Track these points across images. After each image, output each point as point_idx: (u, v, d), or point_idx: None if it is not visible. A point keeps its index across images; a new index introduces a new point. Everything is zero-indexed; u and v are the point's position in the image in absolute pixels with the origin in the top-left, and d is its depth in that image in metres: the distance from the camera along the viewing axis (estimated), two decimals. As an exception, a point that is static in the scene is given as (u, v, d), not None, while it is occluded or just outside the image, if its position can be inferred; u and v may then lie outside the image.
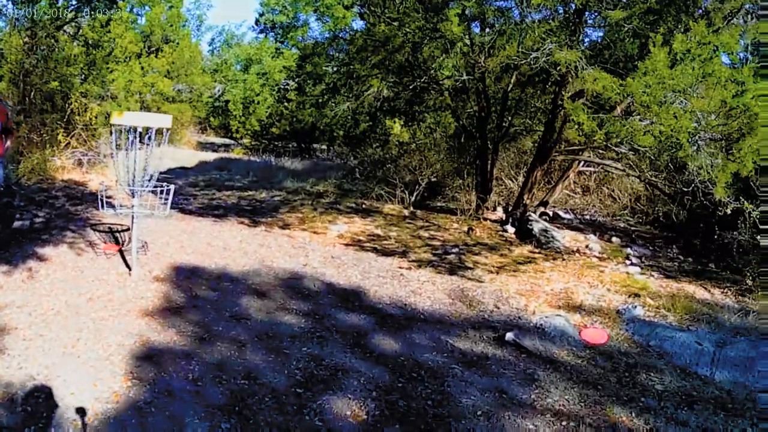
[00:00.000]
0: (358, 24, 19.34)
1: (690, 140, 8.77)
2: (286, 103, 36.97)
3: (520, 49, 11.41)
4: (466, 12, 12.18)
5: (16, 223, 10.56)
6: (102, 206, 8.62)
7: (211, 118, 44.59)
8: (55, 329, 6.62)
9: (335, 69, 20.76)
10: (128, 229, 10.45)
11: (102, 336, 6.54)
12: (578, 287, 9.07)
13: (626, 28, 10.86)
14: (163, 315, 7.29)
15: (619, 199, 15.05)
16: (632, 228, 13.61)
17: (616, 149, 12.46)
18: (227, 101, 39.90)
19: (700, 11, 10.33)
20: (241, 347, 6.56)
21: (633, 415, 5.68)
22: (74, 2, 18.35)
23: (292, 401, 5.51)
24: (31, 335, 6.43)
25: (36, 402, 5.15)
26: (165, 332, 6.80)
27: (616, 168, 13.21)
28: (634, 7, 10.43)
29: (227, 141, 43.05)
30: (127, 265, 8.94)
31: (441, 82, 14.96)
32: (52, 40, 17.97)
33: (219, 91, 41.81)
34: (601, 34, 13.00)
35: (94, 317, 7.04)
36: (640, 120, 9.76)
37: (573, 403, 5.81)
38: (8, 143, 9.46)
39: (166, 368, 5.92)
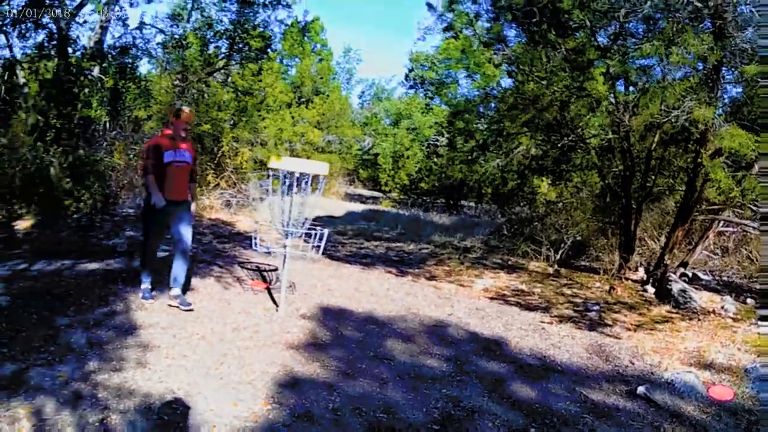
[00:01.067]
0: (506, 82, 19.47)
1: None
2: (435, 159, 37.24)
3: (662, 107, 11.39)
4: (610, 71, 12.20)
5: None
6: (255, 245, 8.93)
7: (360, 170, 45.45)
8: (199, 352, 6.89)
9: (485, 126, 20.84)
10: (276, 269, 10.95)
11: (246, 362, 6.76)
12: (711, 346, 8.90)
13: (760, 83, 10.76)
14: (308, 349, 7.48)
15: (757, 260, 14.74)
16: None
17: (753, 208, 12.29)
18: (376, 154, 40.67)
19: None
20: (383, 384, 6.67)
21: (749, 469, 5.58)
22: (224, 50, 18.93)
23: (429, 437, 5.57)
24: (174, 354, 6.71)
25: (174, 413, 5.37)
26: (309, 365, 6.97)
27: (753, 228, 13.00)
28: (768, 61, 10.36)
29: (375, 194, 43.55)
30: (274, 302, 9.24)
31: (587, 141, 14.96)
32: (203, 85, 18.51)
33: (368, 144, 42.35)
34: (739, 90, 12.84)
35: (239, 345, 7.29)
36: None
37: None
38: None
39: (307, 397, 6.06)
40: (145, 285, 8.50)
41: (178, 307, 8.19)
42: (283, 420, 5.49)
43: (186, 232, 8.38)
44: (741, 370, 7.99)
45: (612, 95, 12.87)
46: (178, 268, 8.39)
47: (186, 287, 8.70)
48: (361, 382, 6.62)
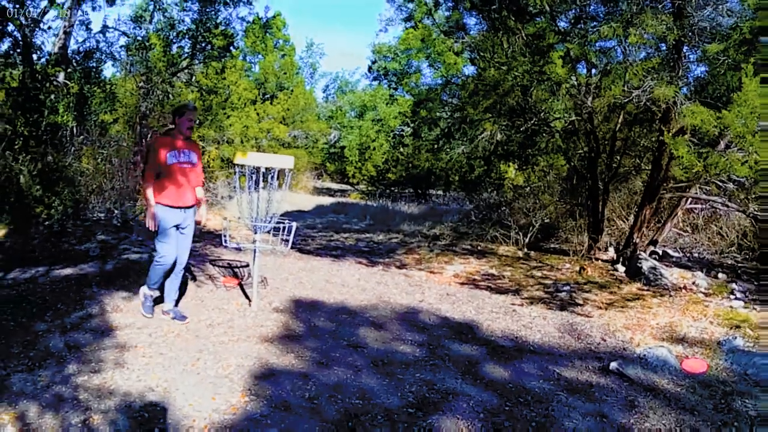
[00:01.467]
0: (469, 69, 19.51)
1: (785, 167, 8.73)
2: (401, 149, 37.29)
3: (625, 88, 11.48)
4: (571, 54, 12.30)
5: (133, 256, 10.89)
6: (225, 241, 8.98)
7: (327, 164, 45.56)
8: (175, 349, 6.96)
9: (449, 114, 20.87)
10: (247, 266, 11.02)
11: (221, 357, 6.84)
12: (682, 321, 9.03)
13: (722, 60, 10.87)
14: (282, 341, 7.55)
15: (727, 235, 14.80)
16: (739, 264, 13.41)
17: (720, 183, 12.40)
18: (343, 147, 40.81)
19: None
20: (357, 371, 6.76)
21: (725, 438, 5.72)
22: (187, 50, 18.92)
23: (404, 419, 5.68)
24: (151, 353, 6.77)
25: (154, 410, 5.45)
26: (284, 356, 7.06)
27: (721, 203, 13.10)
28: (729, 39, 10.46)
29: (344, 186, 43.87)
30: (247, 297, 9.28)
31: (551, 124, 15.05)
32: (168, 86, 18.50)
33: (335, 137, 42.37)
34: (704, 68, 12.95)
35: (214, 341, 7.35)
36: (738, 151, 9.76)
37: (669, 426, 5.87)
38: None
39: (283, 387, 6.15)
40: (150, 297, 8.04)
41: (174, 319, 7.90)
42: (261, 410, 5.59)
43: (185, 247, 7.94)
44: (714, 342, 8.10)
45: (574, 78, 12.93)
46: (173, 285, 8.01)
47: (179, 298, 8.45)
48: (335, 371, 6.72)
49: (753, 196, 11.57)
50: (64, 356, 6.47)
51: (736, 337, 8.13)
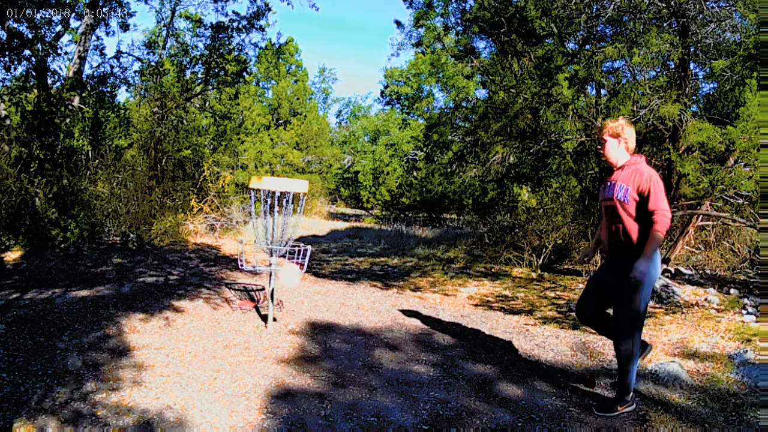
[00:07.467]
0: (481, 92, 19.55)
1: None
2: (415, 173, 37.25)
3: (633, 108, 11.50)
4: (578, 75, 12.32)
5: (149, 279, 10.98)
6: (241, 264, 9.12)
7: (342, 189, 45.54)
8: (192, 369, 7.05)
9: (461, 137, 20.87)
10: (262, 289, 11.14)
11: (238, 377, 6.92)
12: (694, 337, 9.05)
13: (727, 76, 10.91)
14: (298, 362, 7.62)
15: (739, 251, 14.77)
16: (751, 279, 13.42)
17: (729, 199, 12.42)
18: (357, 172, 40.57)
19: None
20: (372, 391, 6.81)
21: (735, 449, 5.74)
22: (201, 75, 19.03)
23: (418, 435, 5.75)
24: (169, 372, 6.87)
25: (171, 428, 5.53)
26: (300, 376, 7.12)
27: (730, 219, 13.11)
28: (735, 55, 10.51)
29: (358, 211, 44.06)
30: (263, 320, 9.36)
31: (562, 146, 15.05)
32: (182, 111, 18.56)
33: (348, 162, 42.24)
34: (714, 85, 12.97)
35: (230, 361, 7.44)
36: (744, 166, 9.79)
37: (680, 438, 5.91)
38: None
39: (299, 406, 6.21)
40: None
41: None
42: (278, 428, 5.66)
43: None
44: (725, 356, 8.11)
45: (582, 99, 12.96)
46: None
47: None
48: (351, 390, 6.77)
49: (758, 210, 11.60)
50: (82, 374, 6.58)
51: (747, 351, 8.15)
